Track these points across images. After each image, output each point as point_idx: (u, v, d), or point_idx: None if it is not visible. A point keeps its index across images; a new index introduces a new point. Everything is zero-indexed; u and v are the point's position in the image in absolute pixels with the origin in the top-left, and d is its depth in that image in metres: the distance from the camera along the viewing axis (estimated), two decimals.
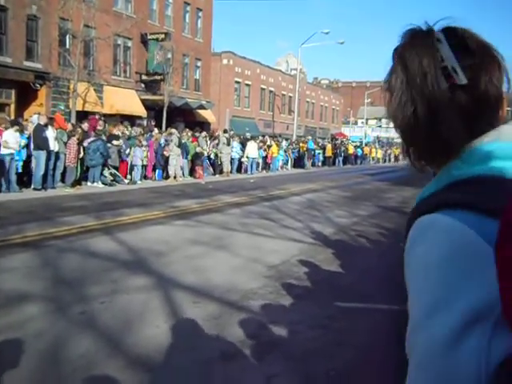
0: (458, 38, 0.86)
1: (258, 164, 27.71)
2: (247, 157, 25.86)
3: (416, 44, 0.88)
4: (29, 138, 14.55)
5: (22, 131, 14.52)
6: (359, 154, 46.27)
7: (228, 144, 24.06)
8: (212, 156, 23.72)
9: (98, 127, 17.36)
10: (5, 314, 4.80)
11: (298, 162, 33.79)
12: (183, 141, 20.78)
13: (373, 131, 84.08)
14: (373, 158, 50.85)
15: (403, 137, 0.92)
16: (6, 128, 13.92)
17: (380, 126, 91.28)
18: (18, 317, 4.72)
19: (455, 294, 0.70)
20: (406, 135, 0.91)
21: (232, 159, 24.87)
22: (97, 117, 20.50)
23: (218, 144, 23.87)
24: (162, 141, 20.11)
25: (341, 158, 41.14)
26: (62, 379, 3.63)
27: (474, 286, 0.69)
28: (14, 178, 13.87)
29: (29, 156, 14.63)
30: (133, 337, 4.42)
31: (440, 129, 0.84)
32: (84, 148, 15.91)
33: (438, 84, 0.83)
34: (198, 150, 21.98)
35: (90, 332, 4.48)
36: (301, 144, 34.79)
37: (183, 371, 3.84)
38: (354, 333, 4.80)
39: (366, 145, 53.60)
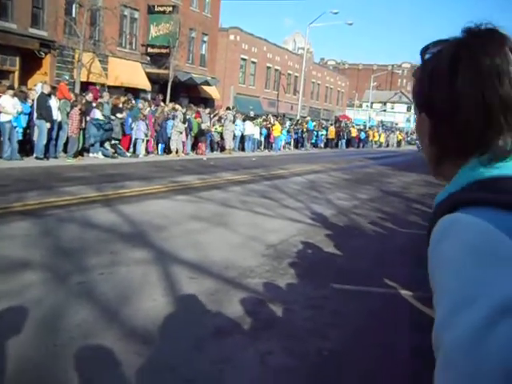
0: None
1: (260, 143, 27.68)
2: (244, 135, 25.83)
3: (487, 41, 0.89)
4: (32, 106, 14.50)
5: (25, 98, 14.48)
6: (362, 138, 46.14)
7: (234, 121, 23.98)
8: (215, 133, 23.62)
9: (104, 99, 17.27)
10: (4, 280, 4.83)
11: (301, 143, 33.73)
12: (188, 117, 20.69)
13: (377, 115, 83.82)
14: (375, 141, 50.73)
15: (436, 125, 0.93)
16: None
17: (384, 111, 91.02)
18: (16, 284, 4.76)
19: (481, 288, 0.70)
20: (440, 123, 0.92)
21: (235, 137, 24.82)
22: (97, 87, 20.38)
23: (219, 120, 23.77)
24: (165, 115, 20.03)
25: (344, 141, 41.04)
26: (59, 347, 3.67)
27: (499, 279, 0.70)
28: (15, 145, 13.85)
29: (30, 124, 14.59)
30: (130, 309, 4.46)
31: (490, 124, 0.86)
32: (86, 121, 15.87)
33: None
34: (204, 126, 21.89)
35: (87, 302, 4.52)
36: (304, 124, 34.67)
37: (179, 345, 3.88)
38: (348, 315, 4.84)
39: (369, 128, 53.42)
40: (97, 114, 16.00)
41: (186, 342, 3.95)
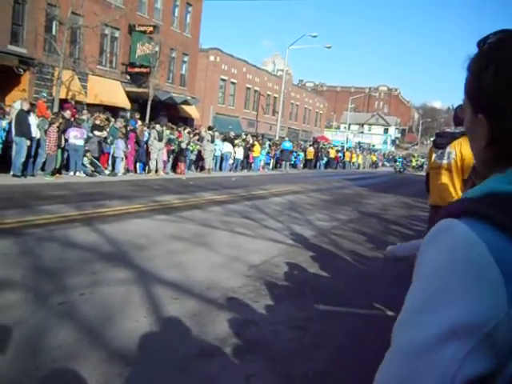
0: None
1: (239, 162, 27.76)
2: (222, 154, 25.92)
3: None
4: (10, 123, 14.35)
5: (3, 115, 14.33)
6: (341, 159, 46.59)
7: (212, 141, 24.03)
8: (194, 152, 23.62)
9: (83, 117, 17.20)
10: None
11: (280, 164, 33.87)
12: (172, 137, 20.73)
13: (354, 137, 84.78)
14: (353, 163, 51.20)
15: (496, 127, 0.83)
16: None
17: (362, 132, 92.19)
18: None
19: (450, 300, 0.69)
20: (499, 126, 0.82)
21: (214, 156, 24.87)
22: (72, 103, 20.32)
23: (198, 140, 23.80)
24: (146, 134, 20.01)
25: (322, 162, 41.36)
26: (41, 369, 3.60)
27: (470, 299, 0.68)
28: None
29: (8, 141, 14.43)
30: (112, 330, 4.40)
31: None
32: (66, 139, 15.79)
33: None
34: (184, 145, 21.91)
35: (69, 323, 4.45)
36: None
37: (162, 367, 3.84)
38: (331, 336, 4.85)
39: (347, 150, 53.97)
40: (73, 134, 15.91)
41: (170, 363, 3.91)
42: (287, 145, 34.25)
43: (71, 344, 4.04)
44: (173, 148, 21.06)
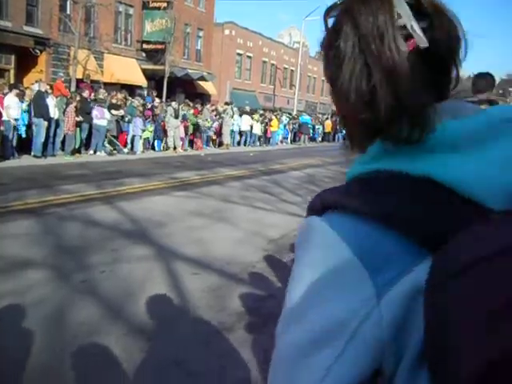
0: None
1: (258, 137, 27.68)
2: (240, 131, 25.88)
3: None
4: (29, 105, 14.45)
5: (22, 97, 14.42)
6: None
7: (232, 116, 23.95)
8: (212, 128, 23.58)
9: (99, 96, 17.24)
10: (7, 279, 4.84)
11: (299, 137, 33.67)
12: (183, 112, 20.68)
13: None
14: None
15: (355, 116, 0.74)
16: (5, 93, 13.76)
17: None
18: (20, 283, 4.77)
19: (316, 303, 0.65)
20: (358, 114, 0.73)
21: (232, 132, 24.80)
22: (87, 82, 20.38)
23: (216, 115, 23.72)
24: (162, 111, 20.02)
25: (341, 135, 40.98)
26: (64, 345, 3.68)
27: (333, 300, 0.65)
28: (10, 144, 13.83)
29: (29, 123, 14.57)
30: (133, 306, 4.46)
31: (404, 101, 0.67)
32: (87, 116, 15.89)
33: (397, 47, 0.67)
34: (201, 122, 21.87)
35: (91, 300, 4.52)
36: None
37: (182, 341, 3.89)
38: None
39: None
40: (94, 113, 15.99)
41: (190, 338, 3.96)
42: (306, 117, 33.96)
43: (93, 320, 4.11)
44: (188, 124, 21.04)
